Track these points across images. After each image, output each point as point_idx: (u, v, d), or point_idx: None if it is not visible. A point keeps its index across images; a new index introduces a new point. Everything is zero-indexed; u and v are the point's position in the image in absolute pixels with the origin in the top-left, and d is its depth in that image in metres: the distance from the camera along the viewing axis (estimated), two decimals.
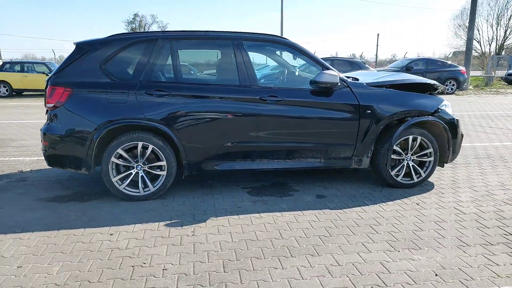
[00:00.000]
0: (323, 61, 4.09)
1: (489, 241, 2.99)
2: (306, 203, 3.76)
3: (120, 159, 3.69)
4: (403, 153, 4.17)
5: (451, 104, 4.61)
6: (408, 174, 4.23)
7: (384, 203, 3.78)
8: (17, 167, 5.04)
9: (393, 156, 4.13)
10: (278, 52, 4.48)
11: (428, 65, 17.51)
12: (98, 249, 2.81)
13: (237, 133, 3.82)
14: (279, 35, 4.10)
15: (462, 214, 3.52)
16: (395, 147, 4.10)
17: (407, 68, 16.76)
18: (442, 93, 4.61)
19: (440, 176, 4.73)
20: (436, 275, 2.50)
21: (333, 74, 3.82)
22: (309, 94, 3.95)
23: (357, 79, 4.35)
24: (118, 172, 3.75)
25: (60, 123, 3.63)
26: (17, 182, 4.43)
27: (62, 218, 3.38)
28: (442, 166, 4.50)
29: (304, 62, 4.20)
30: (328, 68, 3.99)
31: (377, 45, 61.20)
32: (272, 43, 4.10)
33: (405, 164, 4.20)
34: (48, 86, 3.66)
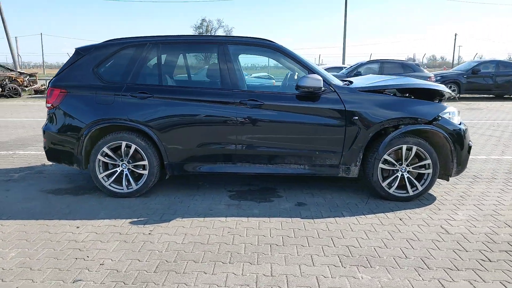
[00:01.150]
0: (311, 64, 3.96)
1: (456, 265, 2.68)
2: (281, 210, 3.67)
3: (106, 157, 3.93)
4: (396, 163, 3.88)
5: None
6: (403, 187, 3.92)
7: (363, 216, 3.55)
8: (42, 161, 5.58)
9: (384, 166, 3.86)
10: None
11: (498, 68, 15.85)
12: (57, 240, 3.03)
13: (216, 136, 3.86)
14: (267, 38, 4.04)
15: (444, 234, 3.18)
16: (386, 157, 3.83)
17: (473, 71, 15.35)
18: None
19: (450, 190, 4.31)
20: None
21: (316, 79, 3.69)
22: (294, 98, 3.85)
23: (351, 83, 4.14)
24: (106, 169, 3.98)
25: (56, 122, 3.97)
26: (35, 174, 4.91)
27: (48, 209, 3.69)
28: (447, 180, 4.10)
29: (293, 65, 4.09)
30: (314, 72, 3.85)
31: (455, 46, 56.68)
32: (257, 46, 4.06)
33: (399, 175, 3.90)
34: (48, 88, 4.02)
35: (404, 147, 3.82)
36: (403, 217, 3.52)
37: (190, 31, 49.24)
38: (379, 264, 2.69)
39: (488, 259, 2.77)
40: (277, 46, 3.98)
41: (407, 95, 4.26)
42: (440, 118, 3.81)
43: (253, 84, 4.25)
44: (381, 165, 3.85)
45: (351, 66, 13.61)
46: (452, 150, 3.85)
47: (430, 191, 4.21)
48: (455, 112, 3.97)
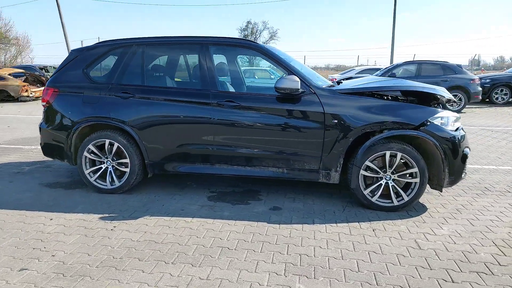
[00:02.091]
0: (292, 65, 3.84)
1: (411, 284, 2.45)
2: (252, 214, 3.59)
3: (92, 154, 4.09)
4: (380, 171, 3.65)
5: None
6: (389, 196, 3.68)
7: (334, 224, 3.37)
8: None
9: (367, 173, 3.65)
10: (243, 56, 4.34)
11: None
12: (27, 230, 3.21)
13: (194, 136, 3.87)
14: (249, 39, 3.98)
15: (415, 249, 2.93)
16: (368, 163, 3.61)
17: None
18: None
19: (448, 201, 3.96)
20: None
21: (293, 80, 3.57)
22: (274, 100, 3.75)
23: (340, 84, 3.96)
24: (94, 166, 4.15)
25: (49, 119, 4.21)
26: (43, 168, 5.24)
27: (36, 201, 3.91)
28: (440, 191, 3.78)
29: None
30: (293, 73, 3.73)
31: None
32: (238, 46, 4.02)
33: (383, 183, 3.66)
34: (45, 87, 4.27)
35: (388, 153, 3.57)
36: (378, 228, 3.30)
37: (236, 34, 49.97)
38: (325, 276, 2.54)
39: (452, 279, 2.51)
40: (258, 47, 3.91)
41: (405, 98, 3.98)
42: (428, 123, 3.52)
43: (237, 85, 4.20)
44: (362, 172, 3.64)
45: (385, 68, 13.01)
46: (443, 159, 3.54)
47: (424, 202, 3.92)
48: (449, 118, 3.65)
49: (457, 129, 3.68)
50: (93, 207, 3.75)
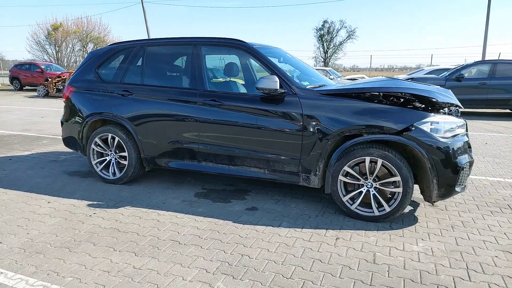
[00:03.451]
0: (276, 66, 3.77)
1: None
2: (225, 212, 3.62)
3: (98, 147, 4.47)
4: (361, 177, 3.43)
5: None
6: (370, 204, 3.44)
7: (299, 229, 3.26)
8: None
9: (346, 179, 3.46)
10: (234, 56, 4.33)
11: None
12: (23, 209, 3.65)
13: (182, 133, 4.02)
14: (236, 38, 4.02)
15: (366, 263, 2.72)
16: (347, 169, 3.42)
17: None
18: None
19: (448, 216, 3.57)
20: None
21: (272, 80, 3.52)
22: (257, 100, 3.75)
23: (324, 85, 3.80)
24: (100, 157, 4.54)
25: (66, 114, 4.70)
26: (76, 157, 5.84)
27: (48, 185, 4.40)
28: (431, 204, 3.42)
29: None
30: (276, 73, 3.68)
31: None
32: (226, 46, 4.07)
33: (363, 191, 3.44)
34: (66, 85, 4.78)
35: (368, 159, 3.34)
36: (343, 237, 3.11)
37: (311, 33, 49.40)
38: (251, 278, 2.50)
39: None
40: (245, 46, 3.92)
41: (399, 100, 3.68)
42: (413, 128, 3.22)
43: (230, 84, 4.24)
44: (341, 178, 3.46)
45: (454, 69, 11.87)
46: (430, 168, 3.21)
47: (420, 215, 3.59)
48: (444, 123, 3.29)
49: (454, 136, 3.31)
50: (88, 194, 4.10)
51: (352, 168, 3.44)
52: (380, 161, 3.31)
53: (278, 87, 3.52)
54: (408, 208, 3.77)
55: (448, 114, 3.59)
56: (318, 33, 47.48)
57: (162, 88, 4.15)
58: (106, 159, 4.48)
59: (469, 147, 3.46)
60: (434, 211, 3.71)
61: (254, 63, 4.42)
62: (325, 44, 48.00)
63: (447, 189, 3.27)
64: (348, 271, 2.59)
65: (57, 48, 36.84)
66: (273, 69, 3.72)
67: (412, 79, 12.04)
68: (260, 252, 2.84)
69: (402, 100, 3.49)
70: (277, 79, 3.52)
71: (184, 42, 4.18)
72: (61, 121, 4.84)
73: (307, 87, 3.70)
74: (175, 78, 4.29)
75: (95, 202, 3.87)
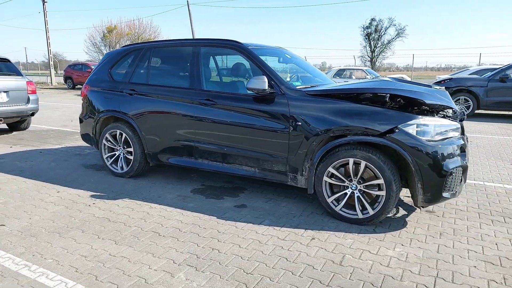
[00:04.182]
0: (267, 66, 3.82)
1: None
2: (211, 208, 3.73)
3: (108, 142, 4.78)
4: (345, 179, 3.40)
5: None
6: (355, 207, 3.41)
7: (277, 227, 3.30)
8: None
9: (330, 181, 3.45)
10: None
11: None
12: (34, 197, 4.00)
13: (180, 131, 4.20)
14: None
15: (332, 264, 2.72)
16: (332, 170, 3.41)
17: None
18: None
19: (441, 223, 3.44)
20: None
21: (261, 80, 3.59)
22: (249, 100, 3.83)
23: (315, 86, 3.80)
24: (111, 152, 4.85)
25: (83, 111, 5.07)
26: (97, 152, 6.21)
27: (64, 176, 4.77)
28: (418, 208, 3.32)
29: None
30: (267, 73, 3.74)
31: None
32: (222, 47, 4.18)
33: (348, 193, 3.41)
34: (84, 84, 5.14)
35: (351, 161, 3.31)
36: (318, 238, 3.11)
37: (358, 32, 48.22)
38: (212, 271, 2.59)
39: None
40: (239, 46, 4.01)
41: (392, 102, 3.60)
42: (397, 130, 3.14)
43: (227, 84, 4.36)
44: (326, 179, 3.45)
45: (499, 68, 11.11)
46: (415, 172, 3.12)
47: (412, 220, 3.49)
48: (432, 126, 3.17)
49: (444, 139, 3.19)
50: (96, 186, 4.40)
51: (337, 169, 3.42)
52: (363, 163, 3.26)
53: (266, 87, 3.58)
54: (402, 213, 3.67)
55: (446, 117, 3.46)
56: (365, 31, 46.23)
57: (163, 87, 4.35)
58: (115, 154, 4.78)
59: (463, 151, 3.31)
60: (428, 217, 3.59)
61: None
62: (372, 43, 46.68)
63: (434, 194, 3.15)
64: (310, 271, 2.61)
65: (111, 49, 39.06)
66: (263, 69, 3.79)
67: (449, 79, 11.45)
68: (230, 248, 2.93)
69: (392, 102, 3.41)
70: (266, 79, 3.58)
71: (186, 43, 4.36)
72: (79, 118, 5.22)
73: (298, 87, 3.72)
74: (176, 78, 4.47)
75: (99, 193, 4.15)
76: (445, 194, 3.18)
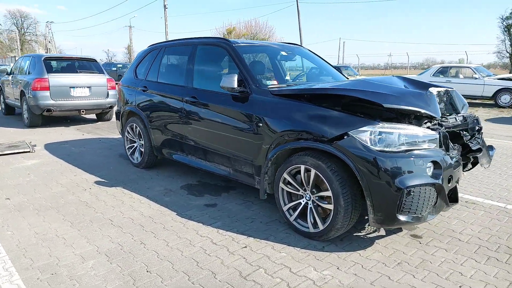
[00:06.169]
0: (243, 64, 3.68)
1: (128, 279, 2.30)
2: (182, 204, 3.77)
3: (128, 134, 5.23)
4: (299, 187, 3.12)
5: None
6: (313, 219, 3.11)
7: (224, 231, 3.20)
8: None
9: (286, 188, 3.21)
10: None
11: None
12: (53, 179, 4.62)
13: (174, 127, 4.36)
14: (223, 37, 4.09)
15: (238, 274, 2.54)
16: (286, 176, 3.17)
17: None
18: None
19: (414, 250, 2.91)
20: None
21: (231, 79, 3.50)
22: (227, 98, 3.77)
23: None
24: (130, 143, 5.30)
25: (117, 106, 5.63)
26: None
27: (95, 162, 5.38)
28: (375, 229, 2.85)
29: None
30: (243, 72, 3.62)
31: None
32: (214, 45, 4.15)
33: (302, 202, 3.12)
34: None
35: (302, 167, 3.01)
36: (251, 247, 2.92)
37: (496, 23, 41.60)
38: (119, 264, 2.67)
39: None
40: (227, 44, 3.95)
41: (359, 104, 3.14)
42: (346, 137, 2.74)
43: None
44: (282, 185, 3.21)
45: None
46: (364, 186, 2.70)
47: (382, 243, 3.03)
48: (396, 134, 2.68)
49: (409, 150, 2.68)
50: (107, 173, 4.87)
51: (294, 176, 3.15)
52: (313, 171, 2.94)
53: (235, 86, 3.47)
54: (382, 233, 3.18)
55: (434, 124, 2.90)
56: (504, 23, 39.68)
57: (165, 84, 4.57)
58: (133, 146, 5.19)
59: (439, 168, 2.71)
60: (406, 242, 3.05)
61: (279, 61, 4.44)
62: None
63: (386, 215, 2.67)
64: (206, 278, 2.49)
65: None
66: (240, 67, 3.67)
67: None
68: (156, 243, 2.96)
69: (353, 105, 2.97)
70: (236, 78, 3.47)
71: (188, 42, 4.49)
72: (115, 113, 5.81)
73: (268, 86, 3.52)
74: (176, 75, 4.62)
75: (103, 180, 4.58)
76: (401, 217, 2.66)
